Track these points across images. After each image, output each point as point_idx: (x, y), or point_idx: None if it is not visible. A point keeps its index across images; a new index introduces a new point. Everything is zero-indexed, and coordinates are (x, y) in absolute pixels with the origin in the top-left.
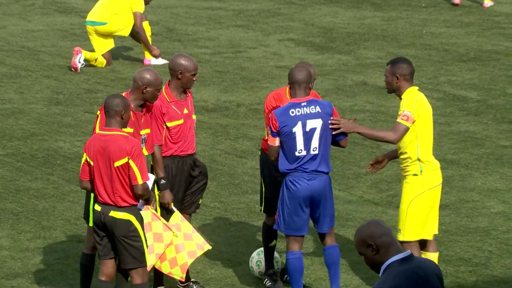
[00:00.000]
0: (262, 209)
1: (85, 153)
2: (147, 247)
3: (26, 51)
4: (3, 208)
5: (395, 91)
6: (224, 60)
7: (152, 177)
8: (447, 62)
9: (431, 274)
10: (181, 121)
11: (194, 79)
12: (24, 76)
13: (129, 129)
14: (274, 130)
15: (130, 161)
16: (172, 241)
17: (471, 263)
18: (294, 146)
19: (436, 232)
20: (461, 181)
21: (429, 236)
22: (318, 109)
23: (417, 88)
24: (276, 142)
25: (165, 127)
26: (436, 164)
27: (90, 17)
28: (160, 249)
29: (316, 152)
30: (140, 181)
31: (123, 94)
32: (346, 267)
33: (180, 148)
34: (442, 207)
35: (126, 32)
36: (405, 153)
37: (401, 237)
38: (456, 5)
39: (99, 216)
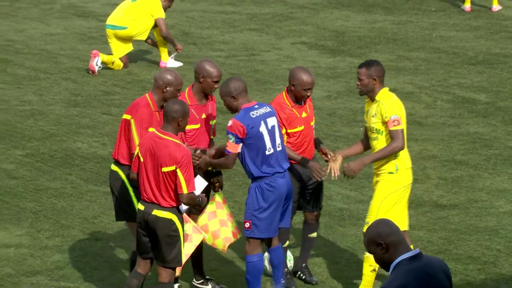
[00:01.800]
0: None
1: (137, 147)
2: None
3: (45, 54)
4: (23, 207)
5: (369, 93)
6: (238, 63)
7: (203, 184)
8: (456, 65)
9: (439, 272)
10: (198, 126)
11: (215, 86)
12: (43, 78)
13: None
14: (241, 136)
15: (178, 170)
16: (208, 226)
17: (479, 261)
18: (264, 146)
19: (407, 229)
20: (470, 181)
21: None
22: (268, 108)
23: (388, 88)
24: (238, 149)
25: None
26: (409, 163)
27: (111, 21)
28: (189, 249)
29: (280, 148)
30: (185, 191)
31: (146, 95)
32: (357, 265)
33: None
34: (452, 206)
35: (144, 36)
36: None
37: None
38: (467, 12)
39: (142, 215)
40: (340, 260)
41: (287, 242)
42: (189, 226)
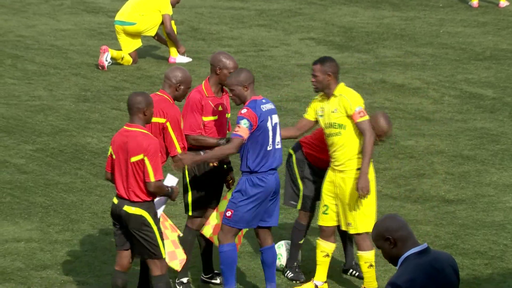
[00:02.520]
0: (299, 206)
1: (110, 146)
2: (167, 253)
3: (55, 50)
4: (33, 201)
5: (324, 89)
6: (247, 59)
7: (174, 180)
8: (464, 61)
9: (447, 266)
10: (216, 117)
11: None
12: (53, 73)
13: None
14: (254, 124)
15: (145, 159)
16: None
17: (486, 256)
18: (267, 141)
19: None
20: (477, 176)
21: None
22: (272, 105)
23: (344, 83)
24: (247, 135)
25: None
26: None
27: (119, 17)
28: (169, 247)
29: (279, 146)
30: (152, 179)
31: (166, 97)
32: (381, 258)
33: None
34: (459, 201)
35: (152, 32)
36: (347, 147)
37: (354, 230)
38: (475, 8)
39: (115, 208)
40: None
41: (303, 239)
42: (166, 224)
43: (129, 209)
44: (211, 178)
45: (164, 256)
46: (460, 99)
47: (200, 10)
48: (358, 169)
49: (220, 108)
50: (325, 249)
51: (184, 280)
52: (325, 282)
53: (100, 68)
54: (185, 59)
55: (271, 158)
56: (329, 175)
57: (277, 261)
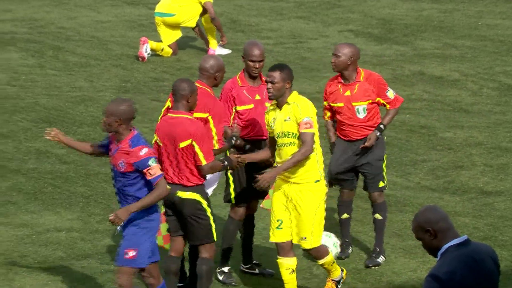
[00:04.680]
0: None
1: (155, 134)
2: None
3: (96, 41)
4: (74, 191)
5: (279, 97)
6: (285, 51)
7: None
8: (502, 53)
9: (487, 258)
10: (251, 106)
11: (255, 65)
12: (93, 65)
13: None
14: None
15: (194, 143)
16: None
17: None
18: None
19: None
20: None
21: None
22: None
23: (297, 92)
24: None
25: (234, 110)
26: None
27: (159, 8)
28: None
29: None
30: (204, 162)
31: (206, 89)
32: (404, 251)
33: (250, 132)
34: (497, 193)
35: (192, 23)
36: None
37: (308, 245)
38: None
39: (168, 196)
40: (386, 246)
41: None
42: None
43: (183, 194)
44: (252, 169)
45: (215, 239)
46: (499, 91)
47: (239, 2)
48: (316, 181)
49: (257, 97)
50: (289, 266)
51: (226, 269)
52: None
53: (140, 59)
54: (224, 51)
55: None
56: (281, 187)
57: (334, 249)
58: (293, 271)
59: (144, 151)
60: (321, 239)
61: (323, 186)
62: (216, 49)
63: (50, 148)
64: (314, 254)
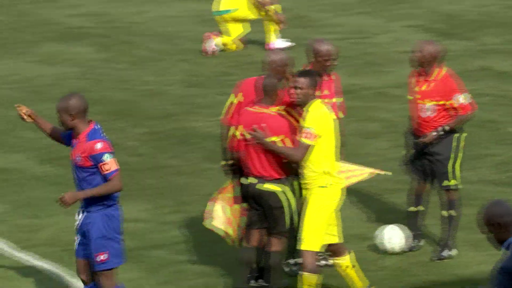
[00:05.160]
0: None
1: (233, 127)
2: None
3: (165, 36)
4: (144, 183)
5: (304, 104)
6: (350, 46)
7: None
8: None
9: None
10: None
11: (326, 64)
12: (162, 59)
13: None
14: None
15: (286, 139)
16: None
17: None
18: None
19: (339, 241)
20: None
21: (330, 241)
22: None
23: (320, 100)
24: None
25: None
26: (340, 178)
27: (223, 6)
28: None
29: None
30: (296, 157)
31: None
32: (470, 245)
33: None
34: None
35: (254, 15)
36: (312, 165)
37: (304, 246)
38: None
39: (248, 187)
40: (456, 240)
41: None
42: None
43: (270, 186)
44: None
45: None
46: None
47: None
48: (322, 186)
49: (326, 92)
50: (344, 264)
51: (291, 261)
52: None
53: (207, 54)
54: (282, 44)
55: None
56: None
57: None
58: (351, 266)
59: (99, 146)
60: (323, 244)
61: (329, 192)
62: (275, 42)
63: (120, 140)
64: (304, 259)
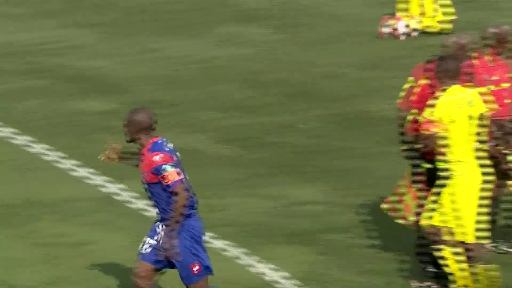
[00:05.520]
0: None
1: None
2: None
3: (336, 19)
4: (318, 166)
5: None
6: None
7: None
8: None
9: None
10: (485, 88)
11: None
12: (335, 42)
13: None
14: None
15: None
16: None
17: None
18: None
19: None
20: None
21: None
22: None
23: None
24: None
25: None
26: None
27: None
28: None
29: None
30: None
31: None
32: None
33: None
34: None
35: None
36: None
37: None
38: None
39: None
40: None
41: None
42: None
43: None
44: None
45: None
46: None
47: None
48: (448, 174)
49: (494, 77)
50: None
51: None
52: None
53: (380, 37)
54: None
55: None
56: None
57: None
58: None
59: (158, 158)
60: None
61: (452, 180)
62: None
63: (295, 122)
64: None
